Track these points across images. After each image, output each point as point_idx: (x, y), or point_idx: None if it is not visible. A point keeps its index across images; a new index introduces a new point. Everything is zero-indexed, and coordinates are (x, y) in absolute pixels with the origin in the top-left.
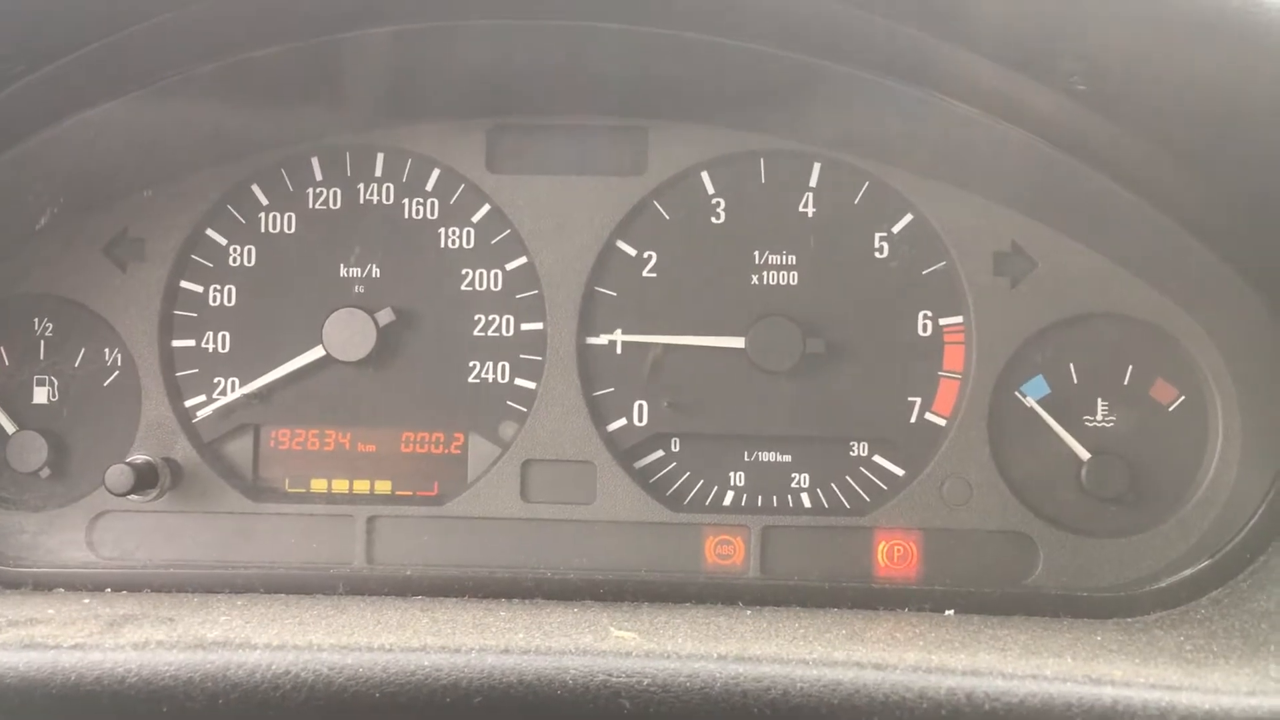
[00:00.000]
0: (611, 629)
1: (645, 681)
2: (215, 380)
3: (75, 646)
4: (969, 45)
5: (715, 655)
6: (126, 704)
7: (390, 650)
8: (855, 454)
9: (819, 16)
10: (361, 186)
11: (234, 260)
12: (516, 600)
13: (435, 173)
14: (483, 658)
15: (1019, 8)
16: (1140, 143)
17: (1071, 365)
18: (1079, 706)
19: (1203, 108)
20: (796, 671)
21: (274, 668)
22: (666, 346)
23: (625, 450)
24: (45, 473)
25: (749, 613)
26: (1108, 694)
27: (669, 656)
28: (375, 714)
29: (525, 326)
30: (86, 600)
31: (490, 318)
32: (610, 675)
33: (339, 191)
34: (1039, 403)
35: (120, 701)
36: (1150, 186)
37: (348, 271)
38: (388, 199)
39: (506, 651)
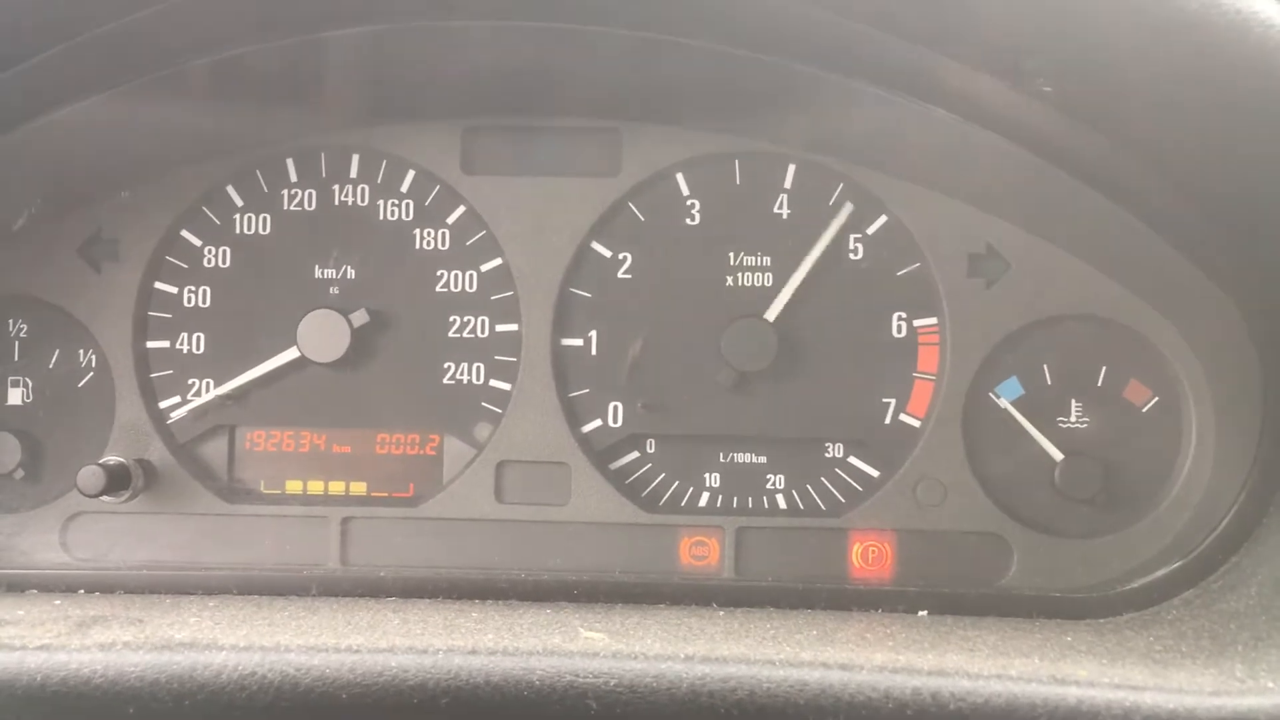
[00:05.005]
0: (581, 630)
1: (612, 682)
2: (190, 381)
3: (41, 647)
4: (940, 48)
5: (682, 656)
6: (92, 705)
7: (358, 651)
8: (830, 455)
9: (791, 20)
10: (336, 188)
11: (209, 261)
12: (490, 601)
13: (410, 174)
14: (450, 658)
15: (983, 10)
16: (1110, 145)
17: (1045, 366)
18: (1043, 707)
19: (1169, 110)
20: (763, 672)
21: (240, 669)
22: (644, 345)
23: (600, 451)
24: (19, 474)
25: (722, 614)
26: (1072, 694)
27: (636, 657)
28: (342, 715)
29: (500, 328)
30: (58, 601)
31: (465, 319)
32: (577, 676)
33: (314, 193)
34: (1013, 404)
35: (86, 702)
36: (1122, 189)
37: (322, 273)
38: (363, 200)
39: (474, 652)
